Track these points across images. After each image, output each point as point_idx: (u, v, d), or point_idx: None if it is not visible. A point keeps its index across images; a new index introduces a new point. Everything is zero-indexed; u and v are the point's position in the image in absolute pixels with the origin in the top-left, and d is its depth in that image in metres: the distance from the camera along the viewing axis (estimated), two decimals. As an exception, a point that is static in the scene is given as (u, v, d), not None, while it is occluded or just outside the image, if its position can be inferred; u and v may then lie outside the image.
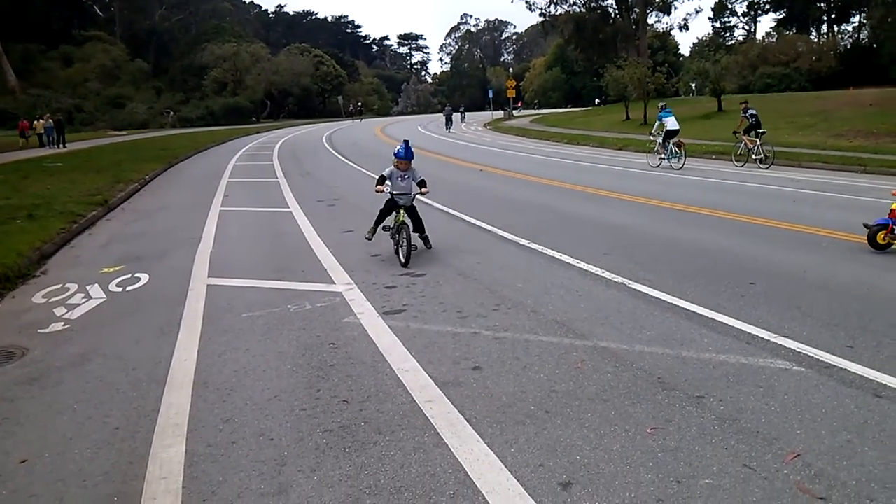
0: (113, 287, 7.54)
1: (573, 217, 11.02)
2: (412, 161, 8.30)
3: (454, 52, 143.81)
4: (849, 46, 65.68)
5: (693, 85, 48.97)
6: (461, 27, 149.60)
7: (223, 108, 72.81)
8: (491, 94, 67.55)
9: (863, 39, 67.17)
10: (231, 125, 63.23)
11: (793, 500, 3.08)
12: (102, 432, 4.05)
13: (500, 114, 66.15)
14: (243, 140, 40.62)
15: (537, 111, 79.42)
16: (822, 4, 70.69)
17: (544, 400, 4.22)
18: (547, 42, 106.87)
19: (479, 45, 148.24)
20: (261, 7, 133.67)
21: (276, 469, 3.54)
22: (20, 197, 14.14)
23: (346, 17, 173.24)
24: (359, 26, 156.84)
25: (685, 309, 5.89)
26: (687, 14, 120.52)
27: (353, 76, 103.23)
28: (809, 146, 21.18)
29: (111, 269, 8.40)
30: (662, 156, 18.86)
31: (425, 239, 8.34)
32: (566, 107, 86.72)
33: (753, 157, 18.20)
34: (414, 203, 8.40)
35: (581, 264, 7.60)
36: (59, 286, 7.67)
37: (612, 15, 61.00)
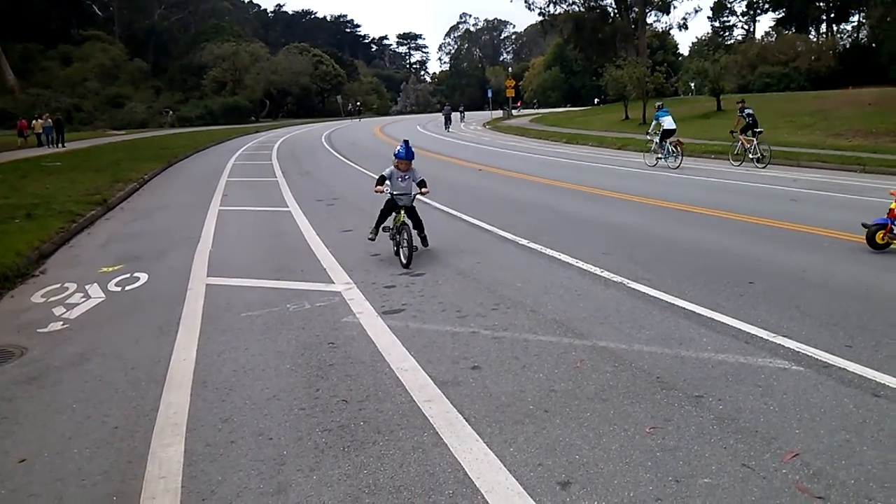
0: (112, 286, 7.53)
1: (573, 217, 11.02)
2: (412, 161, 8.25)
3: (453, 51, 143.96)
4: (848, 46, 65.71)
5: (692, 84, 48.93)
6: (460, 26, 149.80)
7: (222, 107, 72.81)
8: (490, 94, 67.52)
9: (862, 39, 67.21)
10: (230, 125, 63.22)
11: (791, 500, 3.08)
12: (101, 431, 4.05)
13: (499, 113, 66.15)
14: (242, 139, 40.62)
15: (536, 111, 79.39)
16: (821, 4, 70.72)
17: (543, 399, 4.22)
18: (546, 41, 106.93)
19: (478, 44, 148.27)
20: (260, 6, 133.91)
21: (275, 468, 3.54)
22: (19, 196, 14.13)
23: (345, 16, 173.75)
24: (358, 26, 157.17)
25: (684, 308, 5.89)
26: (686, 13, 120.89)
27: (352, 76, 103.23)
28: (808, 146, 21.19)
29: (110, 269, 8.40)
30: (659, 155, 18.89)
31: (423, 238, 8.33)
32: (565, 106, 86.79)
33: (750, 156, 18.25)
34: (413, 203, 8.35)
35: (580, 264, 7.60)
36: (58, 286, 7.66)
37: (611, 14, 60.97)
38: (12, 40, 65.19)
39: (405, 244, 7.81)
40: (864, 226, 7.95)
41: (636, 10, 57.92)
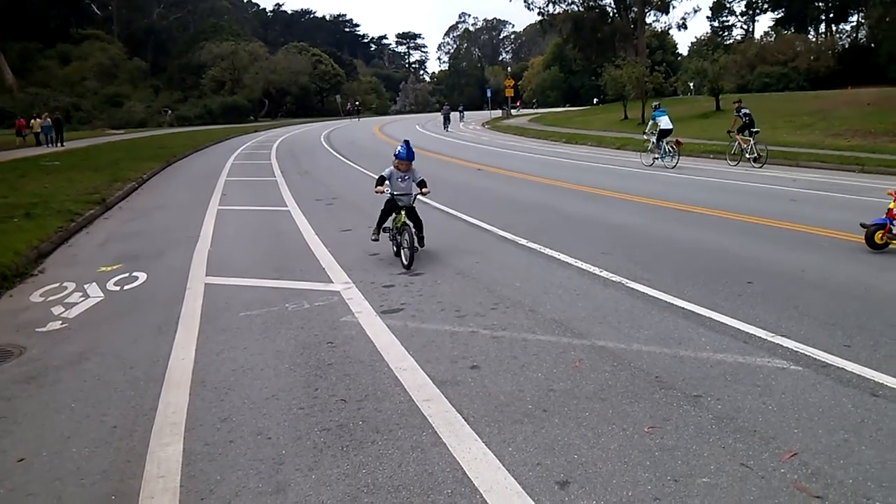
0: (111, 286, 7.53)
1: (572, 217, 11.02)
2: (413, 162, 8.15)
3: (452, 51, 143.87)
4: (847, 46, 65.79)
5: (691, 84, 48.93)
6: (459, 26, 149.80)
7: (221, 106, 72.80)
8: (489, 94, 67.55)
9: (861, 39, 67.29)
10: (229, 124, 63.19)
11: (790, 499, 3.09)
12: (100, 431, 4.05)
13: (498, 113, 66.16)
14: (241, 139, 40.61)
15: (535, 110, 79.42)
16: (821, 4, 70.80)
17: (542, 399, 4.22)
18: (545, 41, 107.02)
19: (477, 44, 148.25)
20: (259, 6, 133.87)
21: (274, 468, 3.54)
22: (17, 196, 14.12)
23: (345, 15, 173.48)
24: (357, 25, 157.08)
25: (683, 308, 5.89)
26: (685, 13, 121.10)
27: (351, 75, 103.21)
28: (807, 145, 21.22)
29: (109, 268, 8.39)
30: (656, 155, 18.97)
31: (420, 238, 8.25)
32: (564, 106, 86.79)
33: (747, 156, 18.30)
34: (413, 204, 8.24)
35: (579, 264, 7.61)
36: (57, 285, 7.66)
37: (611, 14, 60.99)
38: (11, 39, 65.16)
39: (406, 245, 7.73)
40: (863, 226, 7.96)
41: (635, 9, 57.94)
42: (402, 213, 8.00)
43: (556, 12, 63.08)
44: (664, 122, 18.73)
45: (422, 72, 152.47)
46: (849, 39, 69.14)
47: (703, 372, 4.53)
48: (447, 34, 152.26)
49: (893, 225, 7.71)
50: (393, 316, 6.00)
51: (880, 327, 5.28)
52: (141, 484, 3.44)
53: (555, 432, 3.79)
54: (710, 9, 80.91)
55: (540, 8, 63.88)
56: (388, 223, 8.22)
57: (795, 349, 4.86)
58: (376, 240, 8.31)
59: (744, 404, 4.04)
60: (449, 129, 45.07)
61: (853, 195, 12.47)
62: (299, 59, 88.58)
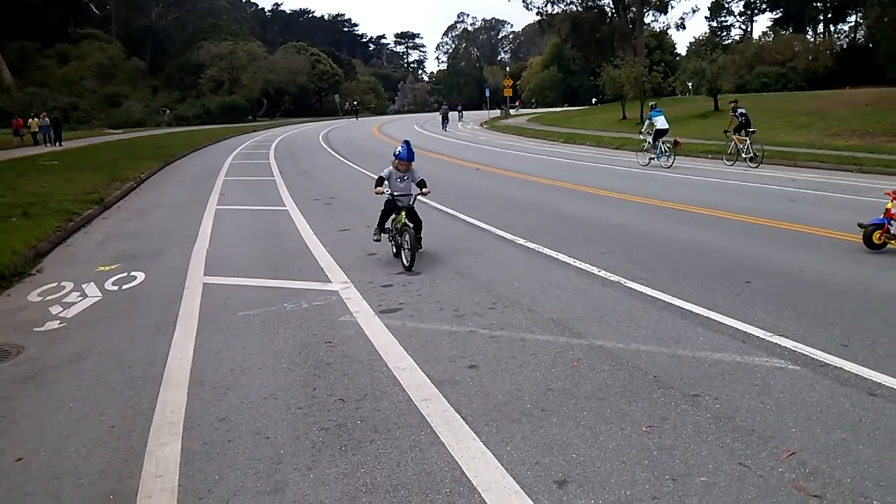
0: (109, 285, 7.52)
1: (570, 216, 11.03)
2: (412, 162, 8.07)
3: (451, 50, 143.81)
4: (845, 46, 65.86)
5: (689, 84, 48.97)
6: (458, 26, 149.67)
7: (219, 106, 72.74)
8: (488, 93, 67.55)
9: (859, 39, 67.37)
10: (227, 124, 63.17)
11: (788, 498, 3.09)
12: (98, 430, 4.04)
13: (496, 113, 66.17)
14: (239, 139, 40.59)
15: (534, 110, 79.44)
16: (819, 4, 70.87)
17: (540, 398, 4.22)
18: (544, 41, 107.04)
19: (475, 43, 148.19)
20: (257, 5, 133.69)
21: (272, 467, 3.54)
22: (15, 195, 14.11)
23: (343, 15, 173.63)
24: (355, 25, 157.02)
25: (681, 307, 5.90)
26: (683, 13, 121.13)
27: (349, 75, 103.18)
28: (806, 145, 21.24)
29: (107, 268, 8.39)
30: (652, 155, 19.06)
31: (418, 240, 8.19)
32: (563, 106, 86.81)
33: (743, 155, 18.35)
34: (413, 204, 8.12)
35: (578, 263, 7.61)
36: (55, 284, 7.65)
37: (609, 14, 60.97)
38: (9, 39, 65.06)
39: (407, 247, 7.65)
40: (861, 226, 7.97)
41: (634, 9, 57.95)
42: (402, 213, 7.91)
43: (554, 12, 63.05)
44: (660, 122, 18.84)
45: (420, 71, 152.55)
46: (847, 40, 69.24)
47: (702, 371, 4.54)
48: (446, 34, 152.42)
49: (891, 225, 7.72)
50: (391, 315, 6.00)
51: (878, 327, 5.28)
52: (139, 483, 3.44)
53: (553, 431, 3.79)
54: (709, 9, 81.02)
55: (538, 8, 63.89)
56: (388, 224, 8.17)
57: (793, 349, 4.87)
58: (378, 240, 8.26)
59: (742, 404, 4.05)
60: (447, 129, 45.06)
61: (851, 195, 12.48)
62: (298, 59, 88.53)
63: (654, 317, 5.70)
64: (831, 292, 6.28)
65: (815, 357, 4.71)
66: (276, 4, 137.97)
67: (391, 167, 8.07)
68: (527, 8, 65.63)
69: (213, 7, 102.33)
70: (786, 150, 19.84)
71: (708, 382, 4.36)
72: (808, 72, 54.19)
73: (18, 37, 67.38)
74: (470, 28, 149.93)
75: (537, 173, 17.66)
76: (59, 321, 6.29)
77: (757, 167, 17.65)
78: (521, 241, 8.94)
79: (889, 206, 7.80)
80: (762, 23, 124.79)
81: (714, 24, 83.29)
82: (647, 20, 61.84)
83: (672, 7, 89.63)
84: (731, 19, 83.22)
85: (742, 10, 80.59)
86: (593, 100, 75.47)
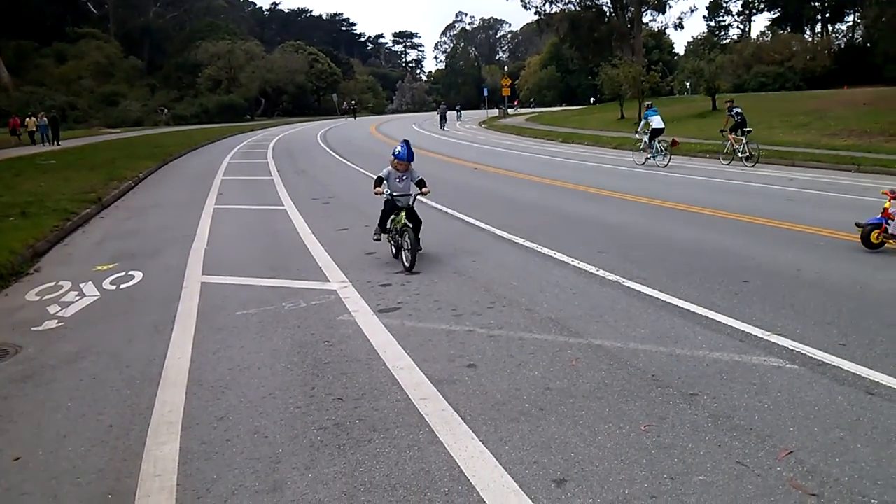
0: (107, 285, 7.52)
1: (569, 216, 11.03)
2: (412, 162, 8.00)
3: (449, 50, 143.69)
4: (843, 46, 66.00)
5: (688, 84, 49.01)
6: (456, 25, 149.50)
7: (217, 105, 72.71)
8: (486, 93, 67.55)
9: (857, 39, 67.48)
10: (225, 123, 63.12)
11: (786, 497, 3.10)
12: (96, 430, 4.04)
13: (495, 112, 66.17)
14: (238, 138, 40.56)
15: (532, 110, 79.45)
16: (817, 4, 70.95)
17: (539, 397, 4.23)
18: (542, 40, 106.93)
19: (474, 43, 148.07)
20: (255, 4, 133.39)
21: (271, 466, 3.54)
22: (13, 194, 14.09)
23: (341, 14, 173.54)
24: (354, 24, 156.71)
25: (679, 307, 5.90)
26: (682, 13, 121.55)
27: (347, 74, 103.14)
28: (804, 145, 21.27)
29: (105, 267, 8.38)
30: (648, 154, 19.13)
31: (417, 240, 8.15)
32: (561, 105, 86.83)
33: (739, 155, 18.41)
34: (412, 204, 8.03)
35: (576, 263, 7.61)
36: (53, 284, 7.64)
37: (607, 13, 60.92)
38: (6, 38, 64.91)
39: (408, 247, 7.58)
40: (858, 225, 7.98)
41: (632, 9, 57.91)
42: (402, 213, 7.82)
43: (552, 12, 62.98)
44: (656, 122, 18.99)
45: (418, 71, 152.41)
46: (845, 39, 69.41)
47: (700, 370, 4.54)
48: (444, 33, 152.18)
49: (889, 224, 7.73)
50: (390, 315, 6.00)
51: (876, 326, 5.29)
52: (137, 483, 3.44)
53: (551, 430, 3.80)
54: (707, 8, 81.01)
55: (537, 7, 63.82)
56: (389, 224, 8.09)
57: (791, 348, 4.88)
58: (377, 239, 8.21)
59: (740, 403, 4.05)
60: (445, 129, 45.05)
61: (849, 194, 12.50)
62: (296, 58, 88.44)
63: (652, 316, 5.71)
64: (829, 291, 6.29)
65: (813, 356, 4.71)
66: (274, 3, 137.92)
67: (390, 167, 7.99)
68: (525, 7, 65.78)
69: (211, 6, 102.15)
70: (784, 150, 19.87)
71: (706, 381, 4.37)
72: (806, 71, 54.28)
73: (16, 36, 67.25)
74: (468, 27, 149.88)
75: (536, 173, 17.67)
76: (56, 321, 6.28)
77: (753, 166, 17.70)
78: (519, 240, 8.94)
79: (887, 205, 7.81)
80: (760, 22, 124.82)
81: (712, 23, 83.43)
82: (645, 20, 61.80)
83: (670, 7, 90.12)
84: (729, 19, 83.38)
85: (740, 9, 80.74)
86: (591, 99, 75.47)
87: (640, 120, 22.09)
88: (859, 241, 7.89)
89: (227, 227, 10.85)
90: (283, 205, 13.02)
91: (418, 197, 8.12)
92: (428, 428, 3.88)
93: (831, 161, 17.81)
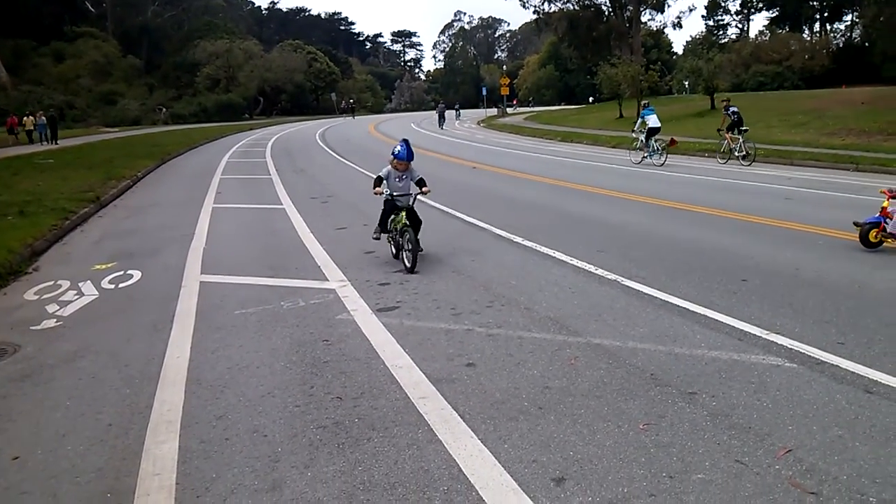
0: (105, 284, 7.51)
1: (568, 215, 11.03)
2: (412, 161, 7.94)
3: (448, 49, 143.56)
4: (841, 45, 66.03)
5: (686, 83, 49.07)
6: (455, 24, 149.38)
7: (216, 104, 72.62)
8: (485, 92, 67.53)
9: (855, 38, 67.55)
10: (224, 122, 63.05)
11: (784, 495, 3.10)
12: (95, 429, 4.04)
13: (493, 111, 66.15)
14: (236, 137, 40.52)
15: (531, 109, 79.44)
16: (815, 3, 71.01)
17: (538, 396, 4.23)
18: (541, 40, 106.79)
19: (472, 42, 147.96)
20: (253, 3, 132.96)
21: (270, 465, 3.54)
22: (11, 193, 14.07)
23: (340, 13, 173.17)
24: (352, 23, 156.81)
25: (678, 306, 5.91)
26: (680, 12, 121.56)
27: (346, 73, 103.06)
28: (802, 144, 21.29)
29: (103, 266, 8.37)
30: (645, 153, 19.20)
31: (417, 241, 8.11)
32: (560, 104, 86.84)
33: (736, 154, 18.45)
34: (412, 204, 7.98)
35: (575, 262, 7.62)
36: (51, 283, 7.63)
37: (606, 13, 60.90)
38: (4, 36, 64.75)
39: (408, 248, 7.54)
40: (856, 224, 7.99)
41: (630, 8, 57.90)
42: (402, 214, 7.76)
43: (551, 11, 62.94)
44: (652, 121, 19.12)
45: (417, 70, 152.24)
46: (843, 38, 69.43)
47: (698, 369, 4.55)
48: (442, 32, 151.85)
49: (887, 223, 7.74)
50: (389, 314, 6.00)
51: (874, 325, 5.30)
52: (136, 482, 3.44)
53: (550, 429, 3.80)
54: (706, 8, 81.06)
55: (535, 6, 63.80)
56: (389, 224, 8.03)
57: (790, 346, 4.88)
58: (377, 238, 8.18)
59: (738, 401, 4.06)
60: (444, 128, 45.04)
61: (848, 194, 12.51)
62: (294, 57, 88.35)
63: (650, 315, 5.71)
64: (828, 290, 6.30)
65: (812, 355, 4.72)
66: (273, 2, 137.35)
67: (390, 167, 7.94)
68: (524, 6, 65.98)
69: (210, 5, 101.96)
70: (782, 149, 19.90)
71: (705, 380, 4.37)
72: (804, 71, 54.33)
73: (14, 35, 67.08)
74: (467, 26, 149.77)
75: (535, 172, 17.67)
76: (55, 320, 6.28)
77: (749, 165, 17.74)
78: (518, 239, 8.94)
79: (885, 204, 7.83)
80: (759, 22, 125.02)
81: (710, 22, 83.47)
82: (643, 19, 61.77)
83: (669, 6, 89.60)
84: (727, 18, 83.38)
85: (738, 8, 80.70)
86: (590, 98, 75.44)
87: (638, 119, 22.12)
88: (858, 240, 7.90)
89: (226, 227, 10.84)
90: (281, 204, 13.01)
91: (418, 196, 8.08)
92: (427, 427, 3.88)
93: (830, 160, 17.82)
